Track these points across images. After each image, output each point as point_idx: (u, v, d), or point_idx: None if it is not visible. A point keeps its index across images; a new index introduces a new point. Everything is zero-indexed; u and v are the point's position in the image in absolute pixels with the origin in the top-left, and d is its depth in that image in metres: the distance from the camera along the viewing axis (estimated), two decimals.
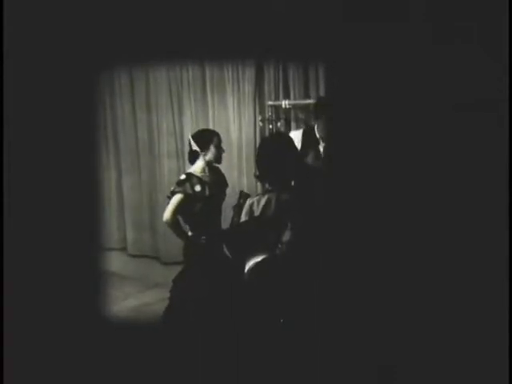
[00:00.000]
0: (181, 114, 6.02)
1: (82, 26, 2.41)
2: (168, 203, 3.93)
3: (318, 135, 3.91)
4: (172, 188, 3.94)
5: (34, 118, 2.38)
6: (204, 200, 3.89)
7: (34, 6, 2.32)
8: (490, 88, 2.18)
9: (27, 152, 2.37)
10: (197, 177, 3.94)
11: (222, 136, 5.69)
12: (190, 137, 4.05)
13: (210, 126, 5.67)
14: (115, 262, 5.84)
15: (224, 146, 5.35)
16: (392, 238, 2.41)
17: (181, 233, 3.99)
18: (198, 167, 4.00)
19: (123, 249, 6.75)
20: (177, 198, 3.87)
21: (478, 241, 2.28)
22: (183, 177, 3.94)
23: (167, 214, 3.88)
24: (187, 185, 3.88)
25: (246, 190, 5.22)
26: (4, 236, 2.33)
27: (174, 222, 3.90)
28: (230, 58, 5.19)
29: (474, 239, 2.29)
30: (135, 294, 5.42)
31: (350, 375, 2.52)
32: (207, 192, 3.91)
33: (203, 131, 4.16)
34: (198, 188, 3.89)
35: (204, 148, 3.97)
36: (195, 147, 3.98)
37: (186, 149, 5.84)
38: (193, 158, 4.04)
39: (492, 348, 2.28)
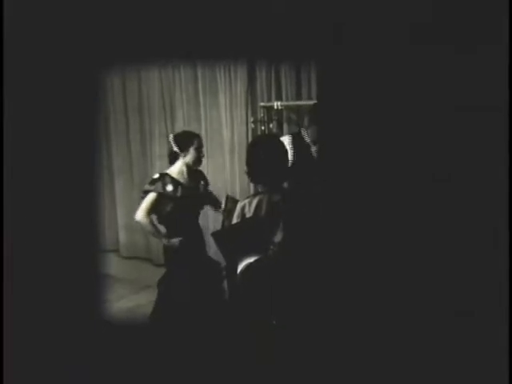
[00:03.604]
0: (173, 114, 6.02)
1: (77, 28, 2.40)
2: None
3: (307, 139, 3.90)
4: (145, 187, 3.91)
5: (31, 120, 2.38)
6: (176, 201, 3.86)
7: (30, 7, 2.33)
8: (491, 89, 2.19)
9: (24, 154, 2.37)
10: (171, 177, 3.90)
11: (214, 137, 5.72)
12: (170, 137, 4.01)
13: (202, 127, 5.67)
14: (108, 263, 5.82)
15: (216, 146, 5.36)
16: (389, 239, 2.41)
17: (154, 232, 3.96)
18: (175, 168, 3.96)
19: (116, 251, 6.74)
20: (149, 197, 3.85)
21: (479, 241, 2.29)
22: (156, 176, 3.92)
23: (139, 213, 3.87)
24: (159, 184, 3.85)
25: (238, 191, 5.27)
26: (3, 236, 2.34)
27: (146, 222, 3.87)
28: (222, 59, 5.18)
29: (475, 240, 2.30)
30: (128, 295, 5.41)
31: (344, 376, 2.52)
32: (179, 193, 3.88)
33: (184, 133, 4.12)
34: (169, 188, 3.85)
35: (183, 150, 3.93)
36: (175, 148, 3.94)
37: None
38: (173, 158, 4.00)
39: (492, 348, 2.29)
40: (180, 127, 5.83)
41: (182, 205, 3.90)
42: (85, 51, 2.43)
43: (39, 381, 2.48)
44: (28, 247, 2.41)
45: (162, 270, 4.93)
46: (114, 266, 6.10)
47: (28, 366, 2.44)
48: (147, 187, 3.88)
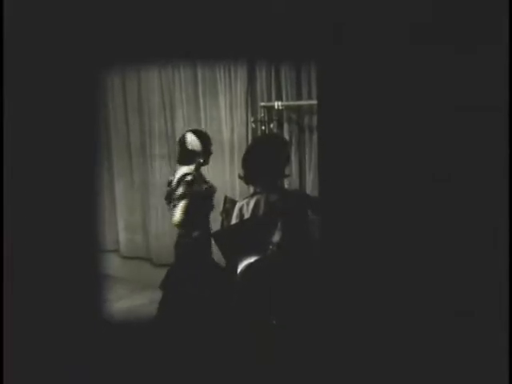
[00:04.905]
0: (172, 114, 6.01)
1: (77, 27, 2.41)
2: (173, 205, 3.84)
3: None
4: (181, 190, 3.80)
5: (31, 120, 2.39)
6: (207, 199, 3.84)
7: (30, 7, 2.33)
8: (491, 89, 2.20)
9: (24, 154, 2.38)
10: (199, 177, 3.88)
11: (214, 137, 5.71)
12: (189, 136, 3.92)
13: (202, 127, 5.66)
14: (108, 263, 5.81)
15: (216, 147, 5.34)
16: (389, 239, 2.41)
17: (191, 231, 3.86)
18: (191, 168, 3.89)
19: (116, 251, 6.73)
20: (185, 200, 3.75)
21: (479, 241, 2.29)
22: (190, 178, 3.81)
23: (179, 217, 3.76)
24: (196, 186, 3.79)
25: (238, 192, 5.26)
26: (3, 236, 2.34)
27: (184, 223, 3.79)
28: (222, 59, 5.18)
29: (475, 240, 2.30)
30: (128, 295, 5.40)
31: (344, 376, 2.52)
32: (213, 191, 3.89)
33: (203, 132, 4.05)
34: (203, 188, 3.84)
35: (205, 150, 3.90)
36: (195, 147, 3.88)
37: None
38: (188, 158, 3.91)
39: (492, 348, 2.29)
40: (180, 127, 5.84)
41: (208, 205, 3.88)
42: (85, 51, 2.43)
43: (39, 381, 2.48)
44: (28, 247, 2.42)
45: (162, 270, 4.92)
46: (114, 265, 6.09)
47: (28, 365, 2.45)
48: (186, 190, 3.77)
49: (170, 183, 3.96)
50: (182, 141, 3.93)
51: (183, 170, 3.90)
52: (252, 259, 3.03)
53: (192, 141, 3.89)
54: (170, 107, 6.01)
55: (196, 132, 4.00)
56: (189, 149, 3.88)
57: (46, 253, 2.46)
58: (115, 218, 6.71)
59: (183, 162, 3.94)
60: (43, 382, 2.49)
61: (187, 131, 4.04)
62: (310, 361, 2.64)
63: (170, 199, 3.90)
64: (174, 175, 3.97)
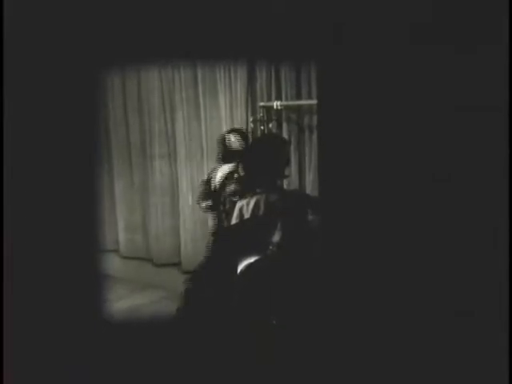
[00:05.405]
0: (172, 114, 6.01)
1: (77, 27, 2.41)
2: (221, 201, 3.89)
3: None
4: (233, 186, 3.84)
5: (31, 120, 2.39)
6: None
7: (30, 7, 2.33)
8: (491, 89, 2.20)
9: (24, 154, 2.38)
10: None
11: (214, 137, 5.72)
12: (231, 137, 4.00)
13: (202, 128, 5.67)
14: (107, 263, 5.80)
15: (216, 146, 5.33)
16: (389, 239, 2.41)
17: None
18: (231, 167, 3.95)
19: (116, 251, 6.73)
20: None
21: (479, 241, 2.29)
22: (236, 175, 3.88)
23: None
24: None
25: None
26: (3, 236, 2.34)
27: None
28: (222, 59, 5.17)
29: (475, 240, 2.30)
30: (128, 295, 5.40)
31: (344, 376, 2.52)
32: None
33: (243, 132, 4.15)
34: None
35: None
36: (236, 146, 3.94)
37: (178, 150, 5.87)
38: (230, 157, 3.97)
39: (492, 348, 2.29)
40: (180, 127, 5.84)
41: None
42: (85, 51, 2.43)
43: (39, 381, 2.48)
44: (28, 247, 2.42)
45: (162, 270, 4.93)
46: (114, 265, 6.08)
47: (28, 365, 2.45)
48: (238, 186, 3.81)
49: (207, 182, 4.02)
50: (224, 141, 4.01)
51: (225, 168, 3.97)
52: (252, 259, 3.03)
53: (234, 141, 3.95)
54: (170, 107, 6.01)
55: (237, 132, 4.09)
56: (231, 149, 3.95)
57: (45, 253, 2.46)
58: (115, 218, 6.71)
59: (225, 160, 4.01)
60: (43, 382, 2.49)
61: (228, 131, 4.16)
62: (310, 361, 2.64)
63: (206, 198, 3.95)
64: (211, 174, 4.04)
